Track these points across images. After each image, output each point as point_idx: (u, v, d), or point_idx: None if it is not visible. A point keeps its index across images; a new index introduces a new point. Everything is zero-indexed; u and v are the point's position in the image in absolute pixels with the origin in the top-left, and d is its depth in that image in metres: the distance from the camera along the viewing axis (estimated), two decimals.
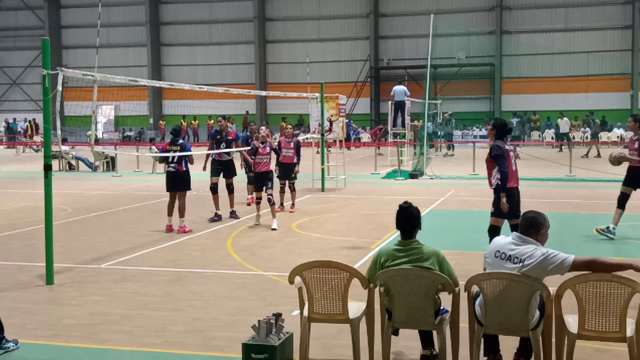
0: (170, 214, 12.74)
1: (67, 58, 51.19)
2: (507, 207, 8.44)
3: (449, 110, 37.96)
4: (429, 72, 23.92)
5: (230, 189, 14.18)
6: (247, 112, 28.18)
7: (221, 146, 14.14)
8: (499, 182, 8.55)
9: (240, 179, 16.02)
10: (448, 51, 41.32)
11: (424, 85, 25.32)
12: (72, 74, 9.54)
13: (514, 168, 8.69)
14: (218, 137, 14.33)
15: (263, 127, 13.51)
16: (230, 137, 14.40)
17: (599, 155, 30.06)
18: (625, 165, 11.69)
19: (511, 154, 8.74)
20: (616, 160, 11.43)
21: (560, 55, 44.14)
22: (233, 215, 14.11)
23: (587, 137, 38.83)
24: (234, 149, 14.37)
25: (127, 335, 6.78)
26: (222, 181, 14.20)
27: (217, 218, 13.79)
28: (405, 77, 40.05)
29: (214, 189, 13.98)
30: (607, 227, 11.48)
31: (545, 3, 44.78)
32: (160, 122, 46.78)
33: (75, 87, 11.81)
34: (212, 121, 42.47)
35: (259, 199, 13.21)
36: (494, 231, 8.58)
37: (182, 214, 12.64)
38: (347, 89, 42.05)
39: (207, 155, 14.55)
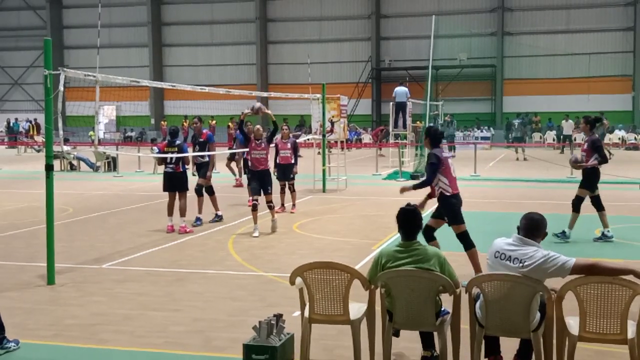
0: (170, 214, 12.75)
1: (69, 58, 51.21)
2: (423, 208, 8.25)
3: (449, 111, 37.97)
4: (430, 73, 23.92)
5: (198, 191, 13.53)
6: (242, 112, 28.03)
7: (195, 149, 13.85)
8: (443, 191, 8.51)
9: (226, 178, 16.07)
10: (449, 52, 41.32)
11: (425, 87, 25.32)
12: (73, 74, 9.55)
13: (453, 175, 8.68)
14: (193, 139, 14.10)
15: (258, 126, 13.32)
16: (201, 140, 13.81)
17: (611, 155, 30.47)
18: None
19: (449, 161, 8.71)
20: (575, 167, 11.55)
21: (561, 57, 44.13)
22: (198, 222, 13.26)
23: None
24: (209, 152, 13.79)
25: (128, 336, 6.78)
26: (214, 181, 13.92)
27: (217, 219, 13.77)
28: (406, 78, 40.01)
29: (208, 190, 13.84)
30: (602, 233, 11.46)
31: (546, 4, 44.78)
32: (162, 122, 46.83)
33: (76, 88, 11.78)
34: (214, 122, 42.47)
35: (256, 201, 12.35)
36: (467, 237, 8.55)
37: (183, 214, 12.65)
38: (349, 90, 42.06)
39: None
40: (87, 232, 12.89)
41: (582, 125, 11.90)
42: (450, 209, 8.40)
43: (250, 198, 15.45)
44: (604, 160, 11.35)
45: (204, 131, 14.03)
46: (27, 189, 20.02)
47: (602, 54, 43.92)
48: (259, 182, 12.53)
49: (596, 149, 11.31)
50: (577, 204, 11.49)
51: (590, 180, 11.51)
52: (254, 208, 12.33)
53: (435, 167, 8.47)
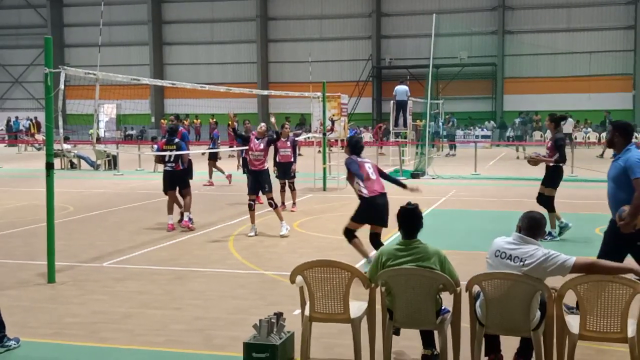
0: (170, 212, 12.74)
1: (69, 56, 51.22)
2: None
3: (450, 110, 37.94)
4: (431, 71, 23.89)
5: (182, 193, 12.98)
6: (230, 117, 27.89)
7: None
8: (359, 193, 8.82)
9: (241, 178, 16.12)
10: (450, 51, 41.28)
11: (426, 85, 25.31)
12: (74, 72, 9.55)
13: (373, 177, 8.94)
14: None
15: (263, 124, 13.12)
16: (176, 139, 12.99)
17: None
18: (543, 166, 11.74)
19: (367, 165, 9.00)
20: (533, 162, 11.50)
21: (562, 56, 44.13)
22: (189, 221, 12.86)
23: (588, 138, 38.94)
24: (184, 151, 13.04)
25: (128, 334, 6.78)
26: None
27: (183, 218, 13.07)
28: (407, 76, 40.06)
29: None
30: (549, 232, 11.34)
31: (547, 3, 44.75)
32: (162, 120, 46.78)
33: (77, 86, 11.79)
34: (214, 119, 42.44)
35: (252, 202, 12.20)
36: (349, 233, 8.93)
37: (187, 209, 12.70)
38: (349, 89, 42.02)
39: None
40: (87, 230, 12.89)
41: (547, 123, 11.85)
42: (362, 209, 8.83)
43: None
44: (562, 160, 11.32)
45: (179, 129, 13.56)
46: (28, 188, 20.02)
47: (602, 52, 43.90)
48: (255, 182, 12.34)
49: (558, 147, 11.28)
50: (548, 204, 11.43)
51: (554, 178, 11.51)
52: (250, 208, 12.18)
53: (355, 172, 8.91)
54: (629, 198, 6.47)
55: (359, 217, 8.90)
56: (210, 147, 21.19)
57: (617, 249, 6.53)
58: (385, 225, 8.82)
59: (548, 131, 42.37)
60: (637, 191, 6.43)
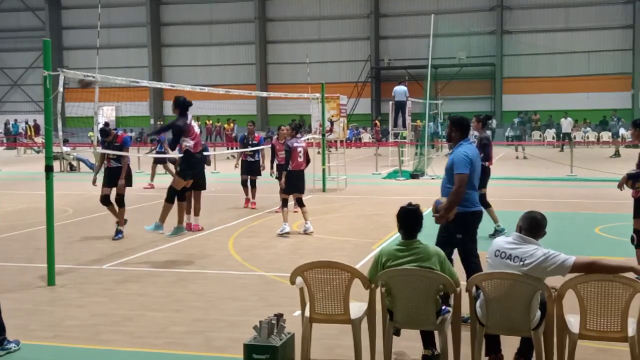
0: (188, 212, 12.65)
1: (68, 59, 51.20)
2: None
3: (449, 110, 37.93)
4: (429, 72, 23.90)
5: (120, 201, 12.40)
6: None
7: (110, 153, 12.23)
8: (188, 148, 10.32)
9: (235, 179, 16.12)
10: (449, 51, 41.30)
11: (424, 86, 25.32)
12: (73, 75, 9.56)
13: (197, 131, 10.51)
14: (105, 144, 12.29)
15: (284, 127, 13.11)
16: (117, 144, 12.22)
17: (617, 154, 30.73)
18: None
19: (194, 127, 10.46)
20: None
21: (560, 55, 44.16)
22: (119, 235, 12.22)
23: (587, 137, 38.99)
24: (126, 153, 12.39)
25: (129, 336, 6.78)
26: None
27: (120, 236, 12.29)
28: (406, 77, 40.04)
29: (104, 200, 12.36)
30: (495, 229, 11.36)
31: (545, 3, 44.80)
32: (159, 123, 46.80)
33: (76, 88, 11.76)
34: (210, 122, 42.50)
35: (286, 202, 12.42)
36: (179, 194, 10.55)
37: (197, 213, 12.72)
38: (348, 90, 42.02)
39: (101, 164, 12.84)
40: (87, 232, 12.89)
41: (474, 123, 11.85)
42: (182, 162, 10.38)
43: (254, 200, 15.53)
44: (486, 158, 11.34)
45: (119, 134, 12.52)
46: (27, 190, 20.01)
47: (601, 52, 43.94)
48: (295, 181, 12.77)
49: (483, 146, 11.33)
50: (482, 201, 11.36)
51: (482, 177, 11.49)
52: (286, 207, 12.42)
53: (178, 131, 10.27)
54: None
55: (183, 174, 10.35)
56: (157, 149, 21.23)
57: (445, 240, 6.83)
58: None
59: (547, 130, 42.65)
60: (454, 186, 6.76)
